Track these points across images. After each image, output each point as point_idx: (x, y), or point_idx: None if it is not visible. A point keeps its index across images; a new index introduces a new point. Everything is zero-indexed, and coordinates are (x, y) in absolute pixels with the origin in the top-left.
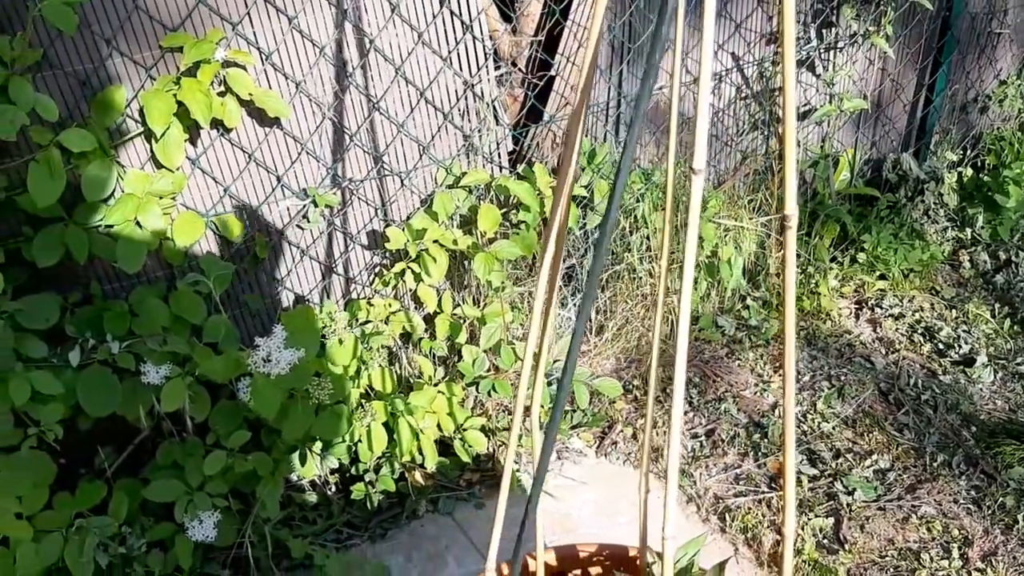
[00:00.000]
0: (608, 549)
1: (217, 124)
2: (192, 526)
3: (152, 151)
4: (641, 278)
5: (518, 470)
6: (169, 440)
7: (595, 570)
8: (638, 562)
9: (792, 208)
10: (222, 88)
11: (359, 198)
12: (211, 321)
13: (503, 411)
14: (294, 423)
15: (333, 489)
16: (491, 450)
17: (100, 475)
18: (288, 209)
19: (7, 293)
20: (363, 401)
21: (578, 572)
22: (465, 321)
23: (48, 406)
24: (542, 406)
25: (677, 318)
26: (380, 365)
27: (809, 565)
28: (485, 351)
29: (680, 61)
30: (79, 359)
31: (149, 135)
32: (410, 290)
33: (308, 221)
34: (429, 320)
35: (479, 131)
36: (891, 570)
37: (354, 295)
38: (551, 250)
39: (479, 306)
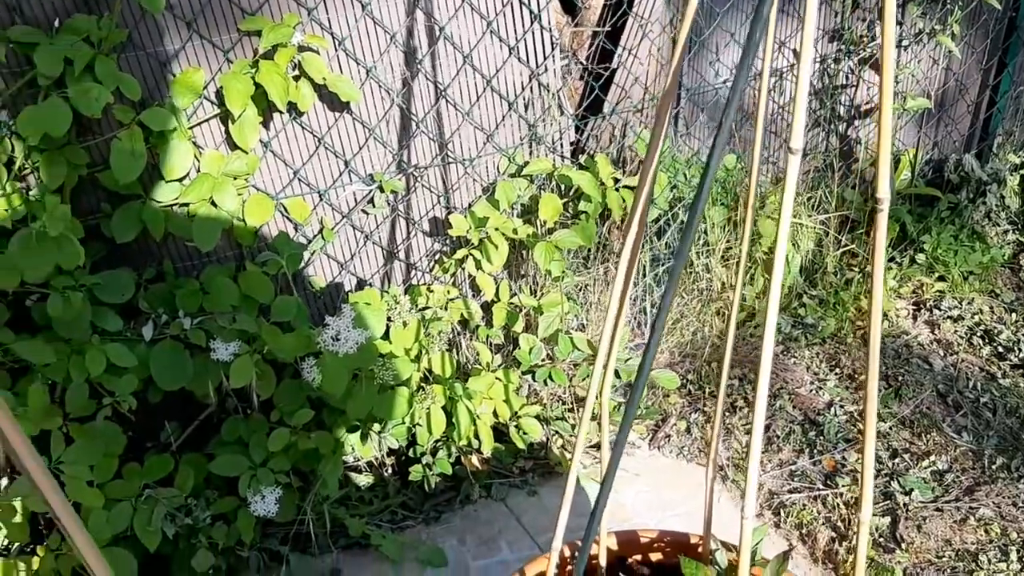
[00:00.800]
0: (669, 536)
1: (290, 108)
2: (255, 501)
3: (227, 133)
4: (698, 272)
5: (571, 459)
6: (234, 417)
7: (655, 556)
8: (700, 549)
9: (884, 191)
10: (296, 72)
11: (423, 185)
12: (279, 301)
13: (557, 401)
14: (358, 402)
15: (389, 471)
16: (545, 439)
17: (166, 449)
18: (354, 194)
19: (86, 267)
20: (423, 384)
21: (638, 557)
22: (522, 310)
23: (122, 378)
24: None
25: (729, 316)
26: (440, 350)
27: (866, 563)
28: (542, 340)
29: (772, 45)
30: (152, 334)
31: (225, 117)
32: (469, 277)
33: (373, 206)
34: (486, 308)
35: (543, 121)
36: (948, 571)
37: (414, 281)
38: (632, 236)
39: (536, 296)
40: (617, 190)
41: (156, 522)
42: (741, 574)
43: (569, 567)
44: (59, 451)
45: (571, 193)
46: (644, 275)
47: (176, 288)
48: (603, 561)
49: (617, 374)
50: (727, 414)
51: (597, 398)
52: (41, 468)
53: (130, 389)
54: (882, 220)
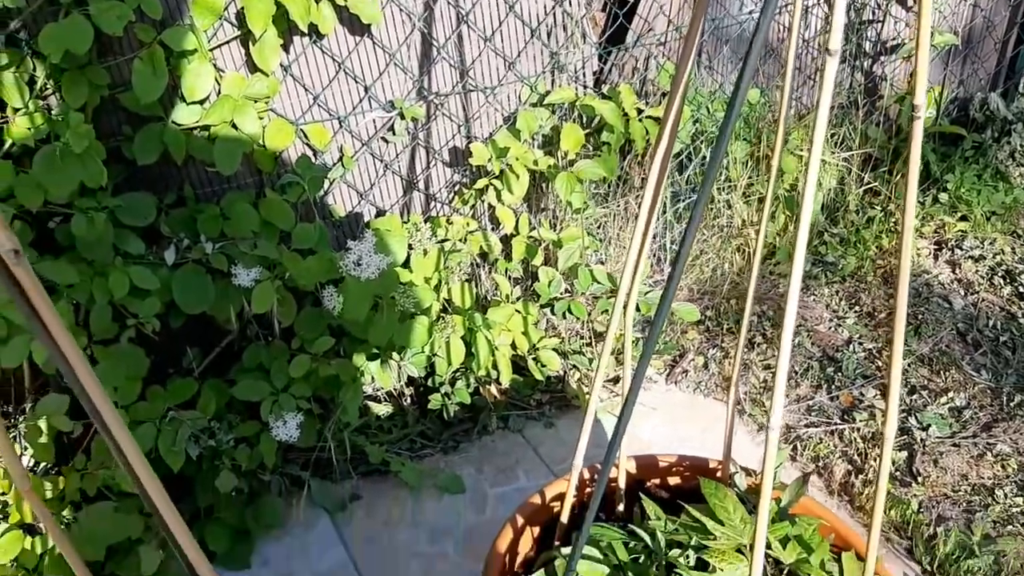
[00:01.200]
0: (688, 460)
1: (311, 30)
2: (276, 426)
3: (247, 55)
4: (719, 208)
5: (588, 393)
6: (255, 343)
7: (673, 480)
8: (718, 473)
9: (921, 98)
10: None
11: (443, 113)
12: (299, 228)
13: (575, 335)
14: (379, 329)
15: (408, 401)
16: (562, 372)
17: (187, 375)
18: (374, 121)
19: (108, 190)
20: (442, 315)
21: (656, 481)
22: (541, 244)
23: (145, 301)
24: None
25: (753, 251)
26: (460, 280)
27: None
28: (562, 273)
29: None
30: (174, 258)
31: (246, 39)
32: (489, 208)
33: (394, 134)
34: (505, 241)
35: (565, 49)
36: (964, 504)
37: (433, 213)
38: (657, 167)
39: (555, 230)
40: (640, 121)
41: (180, 443)
42: (765, 485)
43: (588, 489)
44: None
45: (593, 124)
46: (664, 211)
47: (197, 213)
48: (622, 483)
49: (637, 307)
50: (745, 350)
51: (619, 331)
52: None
53: (153, 311)
54: (918, 128)
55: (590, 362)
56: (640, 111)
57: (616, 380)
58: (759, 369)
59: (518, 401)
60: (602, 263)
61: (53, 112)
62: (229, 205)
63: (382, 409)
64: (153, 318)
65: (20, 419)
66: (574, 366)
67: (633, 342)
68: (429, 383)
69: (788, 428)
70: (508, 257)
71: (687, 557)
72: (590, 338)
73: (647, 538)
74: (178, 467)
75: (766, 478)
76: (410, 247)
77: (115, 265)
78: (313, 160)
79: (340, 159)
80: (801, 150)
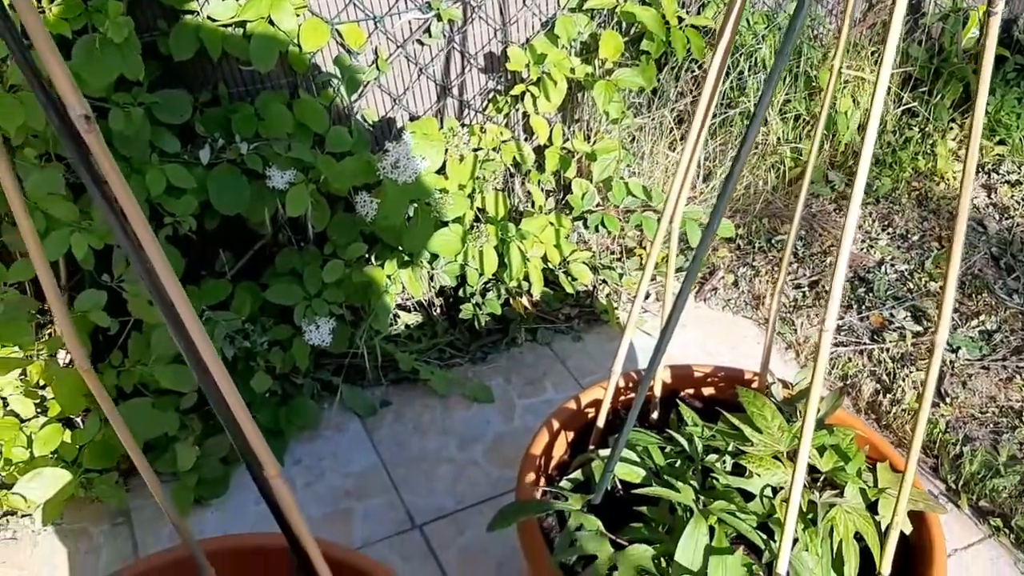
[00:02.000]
0: (723, 371)
1: None
2: (309, 330)
3: None
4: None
5: (616, 308)
6: (287, 248)
7: (708, 390)
8: (753, 385)
9: None
10: None
11: (480, 16)
12: (333, 131)
13: (605, 250)
14: (414, 235)
15: (438, 311)
16: (592, 287)
17: (219, 277)
18: (410, 23)
19: (143, 85)
20: (475, 224)
21: (691, 391)
22: (574, 156)
23: (181, 200)
24: (665, 241)
25: (802, 172)
26: (494, 189)
27: (908, 414)
28: (598, 184)
29: None
30: (209, 157)
31: None
32: (523, 118)
33: (430, 36)
34: (538, 152)
35: None
36: (991, 425)
37: (467, 120)
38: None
39: (589, 142)
40: (682, 30)
41: (216, 343)
42: (815, 388)
43: (623, 396)
44: (120, 269)
45: (632, 33)
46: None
47: (231, 113)
48: (657, 392)
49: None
50: (775, 268)
51: (665, 241)
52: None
53: (189, 211)
54: (994, 25)
55: (620, 277)
56: (681, 19)
57: (645, 296)
58: (790, 288)
59: (546, 315)
60: (634, 176)
61: (89, 3)
62: (263, 105)
63: (412, 318)
64: (189, 218)
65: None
66: (604, 281)
67: (663, 258)
68: (459, 293)
69: (816, 347)
70: (540, 168)
71: (724, 462)
72: (620, 253)
73: (684, 443)
74: None
75: (817, 378)
76: (445, 153)
77: (151, 163)
78: (350, 61)
79: (375, 61)
80: (842, 68)
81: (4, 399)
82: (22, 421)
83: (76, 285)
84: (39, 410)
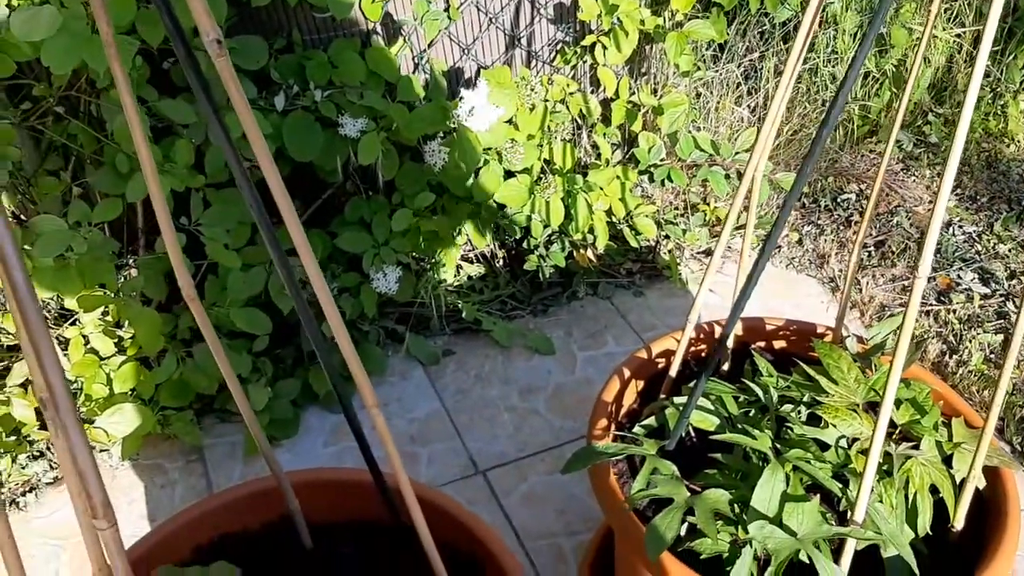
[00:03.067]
0: (795, 324)
1: None
2: (377, 278)
3: None
4: (823, 82)
5: (679, 264)
6: (356, 197)
7: (779, 344)
8: (826, 339)
9: None
10: None
11: None
12: (404, 80)
13: (668, 206)
14: (482, 185)
15: (500, 263)
16: (654, 242)
17: None
18: None
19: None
20: (541, 175)
21: (762, 344)
22: (640, 109)
23: None
24: (714, 209)
25: (855, 127)
26: (562, 140)
27: (974, 375)
28: (665, 138)
29: None
30: (283, 104)
31: None
32: (590, 70)
33: None
34: (604, 105)
35: None
36: None
37: (533, 72)
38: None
39: (656, 95)
40: None
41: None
42: (904, 335)
43: (693, 348)
44: (198, 213)
45: None
46: (767, 81)
47: (305, 60)
48: (729, 344)
49: (740, 175)
50: (841, 227)
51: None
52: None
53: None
54: None
55: (683, 233)
56: None
57: (708, 252)
58: (856, 247)
59: (607, 269)
60: (699, 130)
61: None
62: (337, 53)
63: (474, 270)
64: None
65: (132, 258)
66: (666, 236)
67: (727, 214)
68: (523, 245)
69: (882, 307)
70: (606, 121)
71: (799, 412)
72: (684, 209)
73: (759, 392)
74: (287, 309)
75: (907, 326)
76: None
77: (229, 107)
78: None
79: (447, 9)
80: (912, 23)
81: (86, 337)
82: (102, 359)
83: (152, 229)
84: (117, 349)
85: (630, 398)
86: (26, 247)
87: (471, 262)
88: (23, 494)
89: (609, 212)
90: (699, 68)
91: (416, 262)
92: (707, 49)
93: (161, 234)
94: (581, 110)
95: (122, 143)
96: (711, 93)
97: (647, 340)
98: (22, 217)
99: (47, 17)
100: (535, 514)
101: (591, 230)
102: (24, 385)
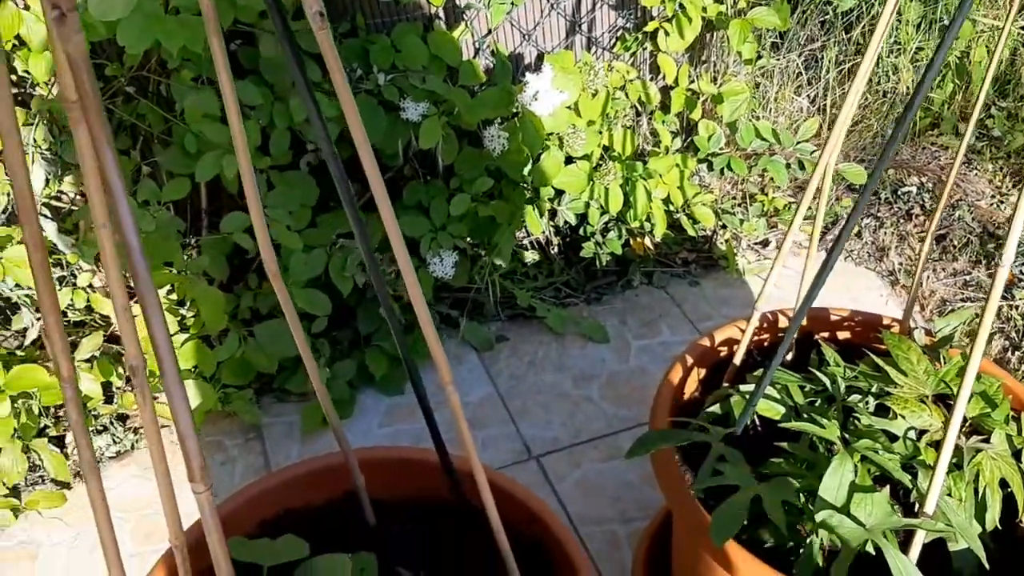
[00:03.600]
0: (860, 315)
1: None
2: (433, 262)
3: None
4: (885, 73)
5: (737, 254)
6: (414, 181)
7: (843, 335)
8: (894, 329)
9: None
10: None
11: None
12: (466, 64)
13: (726, 195)
14: (542, 171)
15: (555, 250)
16: (710, 232)
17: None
18: None
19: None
20: (600, 162)
21: (825, 334)
22: (700, 97)
23: None
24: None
25: (917, 119)
26: (623, 126)
27: None
28: (726, 126)
29: None
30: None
31: None
32: (649, 58)
33: None
34: (663, 92)
35: None
36: None
37: (594, 58)
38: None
39: (716, 84)
40: None
41: (350, 268)
42: (984, 326)
43: (756, 337)
44: (262, 194)
45: None
46: (827, 71)
47: (369, 44)
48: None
49: (801, 165)
50: (902, 220)
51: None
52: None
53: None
54: None
55: (741, 223)
56: None
57: (765, 243)
58: (915, 240)
59: (663, 258)
60: (757, 119)
61: None
62: (399, 37)
63: (529, 256)
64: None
65: (194, 237)
66: (723, 226)
67: (785, 205)
68: (581, 232)
69: (943, 301)
70: (665, 109)
71: (866, 403)
72: (741, 199)
73: (827, 382)
74: (347, 291)
75: (986, 317)
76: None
77: (295, 90)
78: None
79: None
80: (977, 14)
81: None
82: None
83: (215, 210)
84: (179, 327)
85: (691, 386)
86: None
87: (526, 248)
88: None
89: (667, 200)
90: (760, 56)
91: (472, 247)
92: (769, 36)
93: (223, 214)
94: (640, 97)
95: (191, 123)
96: (771, 82)
97: (702, 330)
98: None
99: None
100: (589, 500)
101: (649, 218)
102: (90, 360)
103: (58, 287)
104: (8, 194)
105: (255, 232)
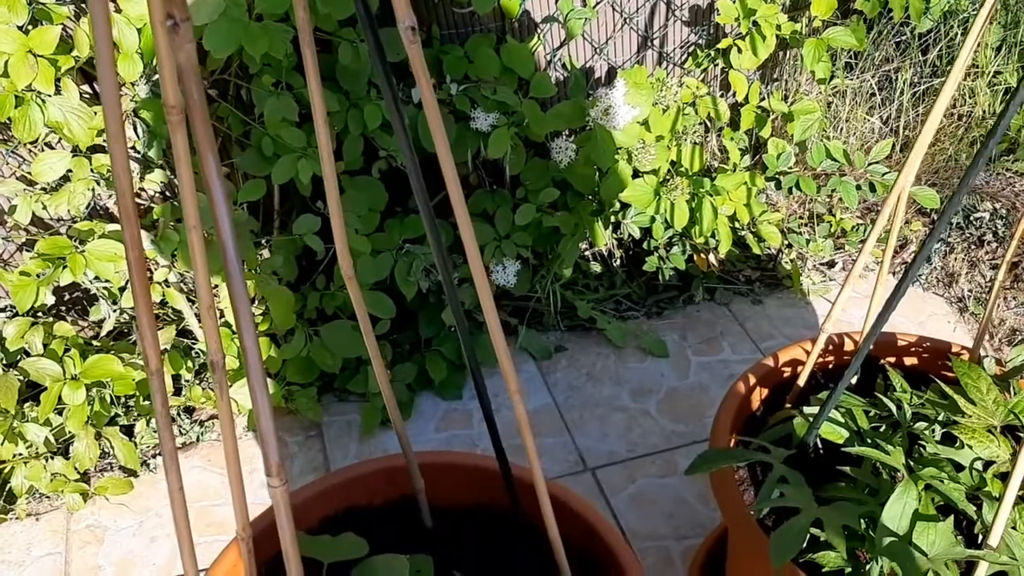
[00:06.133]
0: (928, 342)
1: None
2: (496, 271)
3: None
4: (962, 96)
5: (801, 274)
6: (480, 190)
7: (910, 360)
8: (963, 357)
9: None
10: None
11: None
12: (538, 77)
13: (793, 215)
14: (609, 184)
15: (618, 263)
16: (775, 251)
17: (413, 214)
18: None
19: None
20: (667, 176)
21: (891, 360)
22: (770, 115)
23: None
24: (839, 219)
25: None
26: (692, 142)
27: None
28: (796, 144)
29: None
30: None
31: None
32: (721, 74)
33: None
34: (733, 109)
35: None
36: None
37: (666, 74)
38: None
39: (787, 102)
40: None
41: (415, 273)
42: None
43: (820, 359)
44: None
45: None
46: (901, 93)
47: (443, 54)
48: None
49: (872, 186)
50: (974, 247)
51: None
52: (453, 172)
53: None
54: None
55: (807, 243)
56: None
57: (831, 264)
58: (986, 267)
59: (726, 275)
60: (828, 139)
61: None
62: (473, 48)
63: (592, 267)
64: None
65: (266, 238)
66: (789, 245)
67: (852, 226)
68: (644, 246)
69: (1013, 331)
70: (734, 126)
71: (932, 431)
72: (808, 219)
73: (892, 407)
74: (411, 295)
75: None
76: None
77: (370, 98)
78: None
79: (584, 4)
80: None
81: (221, 311)
82: (233, 333)
83: (287, 212)
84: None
85: (754, 404)
86: (175, 222)
87: (589, 260)
88: (153, 456)
89: (733, 217)
90: (834, 76)
91: (535, 257)
92: (843, 55)
93: (295, 216)
94: (709, 113)
95: (270, 127)
96: (843, 101)
97: (764, 349)
98: (166, 194)
99: (213, 2)
100: (643, 515)
101: (714, 234)
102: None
103: None
104: (92, 190)
105: (334, 235)
